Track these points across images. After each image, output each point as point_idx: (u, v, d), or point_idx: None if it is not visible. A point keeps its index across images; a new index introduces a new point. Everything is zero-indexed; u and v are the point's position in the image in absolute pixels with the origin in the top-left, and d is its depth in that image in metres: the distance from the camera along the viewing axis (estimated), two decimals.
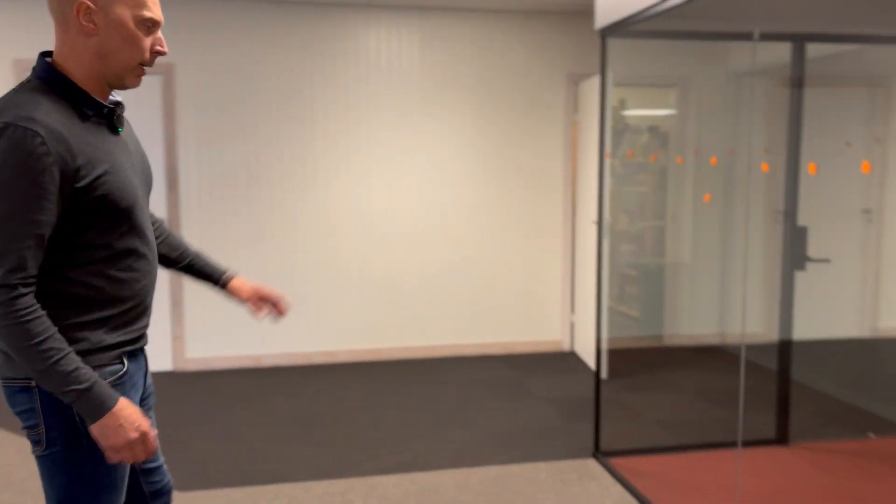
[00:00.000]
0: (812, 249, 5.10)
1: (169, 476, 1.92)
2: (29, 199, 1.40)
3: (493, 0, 5.14)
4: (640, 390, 4.79)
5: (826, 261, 3.75)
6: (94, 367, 1.55)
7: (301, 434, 4.03)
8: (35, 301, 1.45)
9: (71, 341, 1.53)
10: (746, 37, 3.61)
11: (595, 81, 5.11)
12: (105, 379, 1.57)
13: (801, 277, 5.49)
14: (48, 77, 1.50)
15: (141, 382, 1.74)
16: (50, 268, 1.50)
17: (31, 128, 1.39)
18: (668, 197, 5.97)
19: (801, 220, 5.61)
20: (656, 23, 3.43)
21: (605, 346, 5.02)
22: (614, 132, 6.58)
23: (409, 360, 5.52)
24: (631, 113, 6.69)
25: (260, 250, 5.34)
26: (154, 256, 1.70)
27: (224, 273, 1.99)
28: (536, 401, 4.57)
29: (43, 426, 1.54)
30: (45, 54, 1.54)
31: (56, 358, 1.44)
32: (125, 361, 1.64)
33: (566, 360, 5.53)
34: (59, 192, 1.44)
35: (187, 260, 1.95)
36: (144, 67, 1.58)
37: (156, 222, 1.93)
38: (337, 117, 5.33)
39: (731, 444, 3.82)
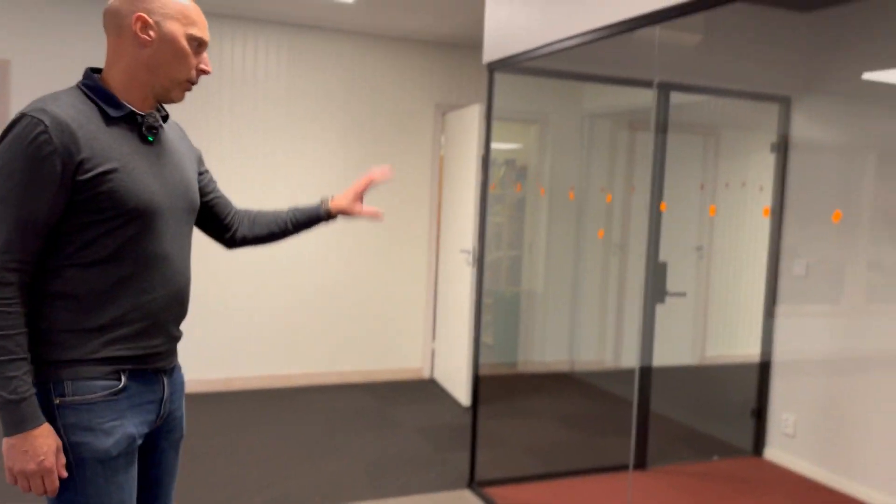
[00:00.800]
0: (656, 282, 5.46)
1: None
2: (25, 184, 1.43)
3: (364, 24, 5.10)
4: (502, 417, 4.86)
5: (682, 294, 4.02)
6: (85, 379, 1.51)
7: None
8: (18, 295, 1.44)
9: (63, 347, 1.50)
10: (645, 83, 3.82)
11: (462, 113, 5.20)
12: (96, 392, 1.51)
13: (639, 307, 5.87)
14: (83, 81, 1.57)
15: (151, 408, 1.63)
16: (53, 265, 1.50)
17: (38, 117, 1.44)
18: (525, 228, 6.17)
19: (647, 255, 6.00)
20: (541, 62, 3.55)
21: (470, 374, 5.05)
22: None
23: (265, 391, 5.26)
24: (495, 146, 6.88)
25: None
26: (176, 275, 1.62)
27: (323, 209, 1.96)
28: (404, 430, 4.51)
29: None
30: (94, 70, 1.61)
31: (3, 358, 1.42)
32: (123, 378, 1.55)
33: (426, 387, 5.52)
34: (60, 182, 1.45)
35: (290, 224, 1.94)
36: (190, 84, 1.63)
37: (236, 212, 1.91)
38: (194, 128, 5.03)
39: (600, 471, 3.97)
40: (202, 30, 1.61)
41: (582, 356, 6.25)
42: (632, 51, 3.59)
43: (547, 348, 6.20)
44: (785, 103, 4.15)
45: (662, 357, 5.85)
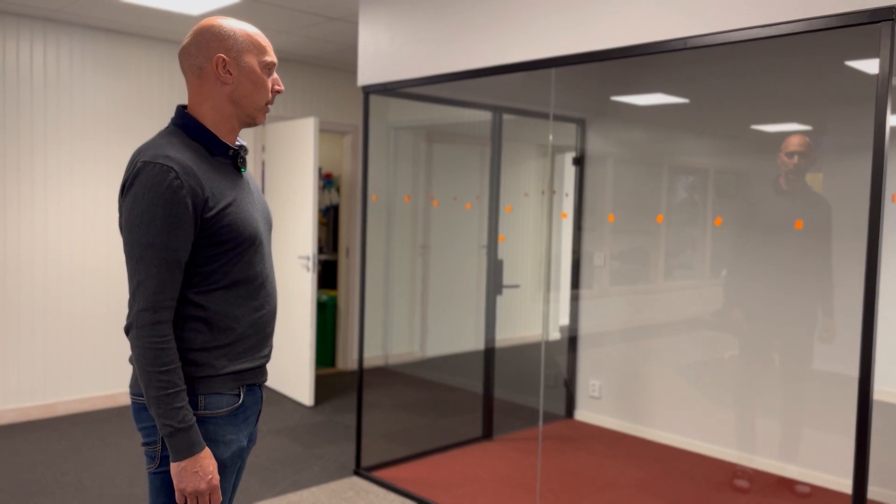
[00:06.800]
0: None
1: None
2: (167, 227, 1.54)
3: (183, 34, 5.09)
4: (347, 412, 5.19)
5: (517, 286, 4.70)
6: (215, 394, 1.63)
7: None
8: (171, 331, 1.57)
9: (195, 364, 1.62)
10: (484, 107, 4.38)
11: (290, 124, 5.42)
12: (222, 408, 1.65)
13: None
14: (182, 122, 1.68)
15: (253, 419, 1.76)
16: (183, 294, 1.62)
17: (166, 164, 1.55)
18: (341, 234, 6.51)
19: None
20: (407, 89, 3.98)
21: (312, 376, 5.29)
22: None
23: (92, 412, 5.01)
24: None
25: None
26: (274, 290, 1.78)
27: None
28: (262, 434, 4.65)
29: (159, 445, 1.63)
30: (183, 106, 1.71)
31: (171, 391, 1.55)
32: (242, 394, 1.69)
33: None
34: (193, 221, 1.57)
35: None
36: (268, 105, 1.75)
37: None
38: (1, 134, 4.64)
39: (455, 446, 4.50)
40: (271, 53, 1.72)
41: (394, 350, 6.75)
42: (476, 82, 4.17)
43: (364, 347, 6.59)
44: (581, 124, 5.02)
45: (476, 342, 6.57)
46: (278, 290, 5.62)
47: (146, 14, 4.54)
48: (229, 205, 1.63)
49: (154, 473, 1.64)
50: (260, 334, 1.73)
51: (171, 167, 1.54)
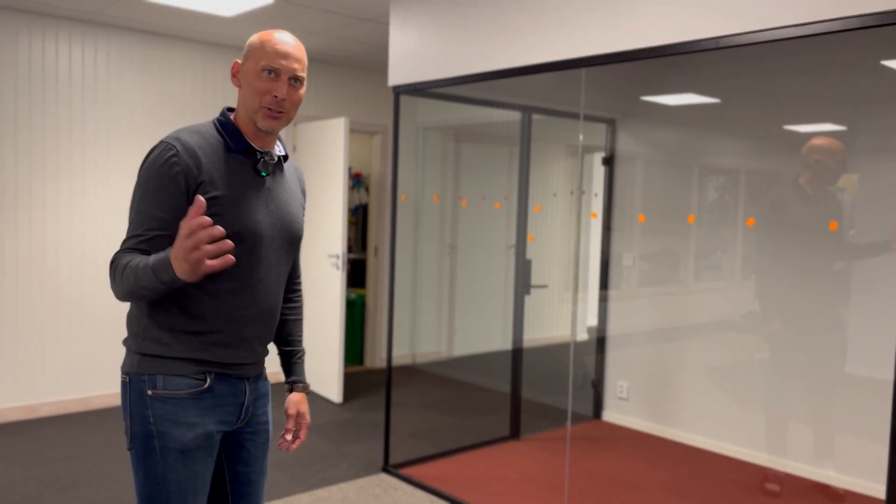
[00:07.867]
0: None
1: None
2: (155, 195, 1.66)
3: (216, 35, 5.16)
4: (375, 410, 5.23)
5: (545, 286, 4.70)
6: (175, 376, 1.69)
7: None
8: (126, 256, 1.65)
9: (160, 343, 1.70)
10: (513, 107, 4.39)
11: (322, 124, 5.47)
12: (183, 389, 1.69)
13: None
14: (217, 118, 1.81)
15: (233, 409, 1.79)
16: None
17: (171, 143, 1.68)
18: (370, 233, 6.55)
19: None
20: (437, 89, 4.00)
21: (341, 373, 5.34)
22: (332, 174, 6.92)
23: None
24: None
25: None
26: (268, 297, 1.80)
27: (295, 381, 2.03)
28: None
29: (129, 422, 1.71)
30: (229, 109, 1.84)
31: (141, 276, 1.59)
32: (209, 379, 1.72)
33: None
34: (184, 198, 1.67)
35: (285, 349, 2.05)
36: (277, 111, 1.75)
37: (296, 302, 2.06)
38: (39, 133, 4.75)
39: (483, 444, 4.51)
40: (275, 58, 1.70)
41: (422, 349, 6.78)
42: (506, 82, 4.18)
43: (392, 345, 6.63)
44: (611, 124, 5.00)
45: (504, 342, 6.57)
46: (308, 288, 5.67)
47: (180, 16, 4.62)
48: (221, 196, 1.69)
49: (129, 451, 1.74)
50: (235, 334, 1.75)
51: (174, 146, 1.67)
